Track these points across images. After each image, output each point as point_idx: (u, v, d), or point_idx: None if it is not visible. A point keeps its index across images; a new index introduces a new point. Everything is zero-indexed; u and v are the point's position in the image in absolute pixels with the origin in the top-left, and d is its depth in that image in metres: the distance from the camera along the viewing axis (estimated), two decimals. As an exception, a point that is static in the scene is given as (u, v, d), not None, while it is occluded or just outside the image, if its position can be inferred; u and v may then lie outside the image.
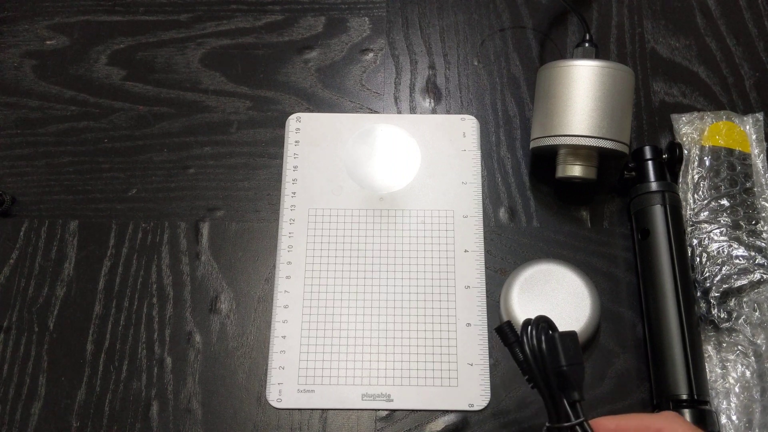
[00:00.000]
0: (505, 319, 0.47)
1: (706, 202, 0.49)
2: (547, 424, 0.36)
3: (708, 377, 0.45)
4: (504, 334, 0.37)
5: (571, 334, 0.36)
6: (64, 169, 0.53)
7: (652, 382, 0.45)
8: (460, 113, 0.55)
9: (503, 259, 0.50)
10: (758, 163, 0.51)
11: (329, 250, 0.50)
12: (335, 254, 0.50)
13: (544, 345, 0.35)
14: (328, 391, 0.46)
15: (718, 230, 0.48)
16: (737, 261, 0.47)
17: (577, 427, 0.35)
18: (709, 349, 0.46)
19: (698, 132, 0.51)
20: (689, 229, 0.49)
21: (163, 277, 0.50)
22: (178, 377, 0.47)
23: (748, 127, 0.52)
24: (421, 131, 0.54)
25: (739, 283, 0.46)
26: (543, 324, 0.37)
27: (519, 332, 0.37)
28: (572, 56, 0.50)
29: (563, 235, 0.51)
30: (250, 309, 0.49)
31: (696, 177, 0.50)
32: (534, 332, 0.36)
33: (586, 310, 0.46)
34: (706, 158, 0.50)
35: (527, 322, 0.37)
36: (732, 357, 0.45)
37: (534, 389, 0.36)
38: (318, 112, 0.55)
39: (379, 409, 0.46)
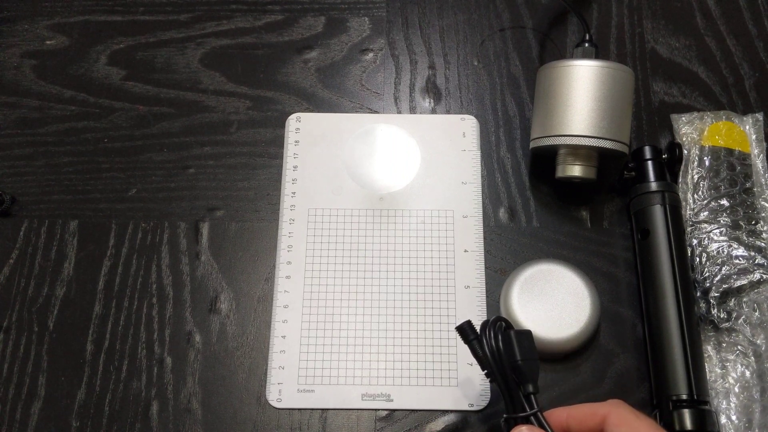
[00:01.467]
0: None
1: (705, 202, 0.49)
2: (504, 415, 0.39)
3: (708, 377, 0.45)
4: (464, 332, 0.40)
5: (527, 333, 0.40)
6: (64, 169, 0.53)
7: (652, 382, 0.45)
8: (460, 113, 0.55)
9: (503, 259, 0.50)
10: (758, 163, 0.51)
11: (329, 250, 0.50)
12: (335, 254, 0.50)
13: (500, 341, 0.38)
14: (328, 391, 0.46)
15: (717, 230, 0.48)
16: (737, 261, 0.47)
17: (532, 417, 0.37)
18: (709, 349, 0.46)
19: (698, 132, 0.51)
20: (689, 229, 0.49)
21: (163, 277, 0.50)
22: (178, 377, 0.47)
23: (747, 127, 0.52)
24: (420, 131, 0.54)
25: (738, 283, 0.46)
26: (500, 323, 0.40)
27: (478, 330, 0.40)
28: (572, 56, 0.50)
29: (563, 235, 0.51)
30: (250, 309, 0.49)
31: (696, 177, 0.50)
32: (492, 330, 0.39)
33: (586, 310, 0.46)
34: (705, 158, 0.50)
35: (486, 322, 0.39)
36: (732, 357, 0.45)
37: (493, 383, 0.39)
38: (318, 112, 0.55)
39: (379, 409, 0.46)
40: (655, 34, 0.58)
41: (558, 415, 0.38)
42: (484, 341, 0.39)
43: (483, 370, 0.40)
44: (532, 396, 0.38)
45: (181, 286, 0.49)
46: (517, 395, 0.38)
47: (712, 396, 0.45)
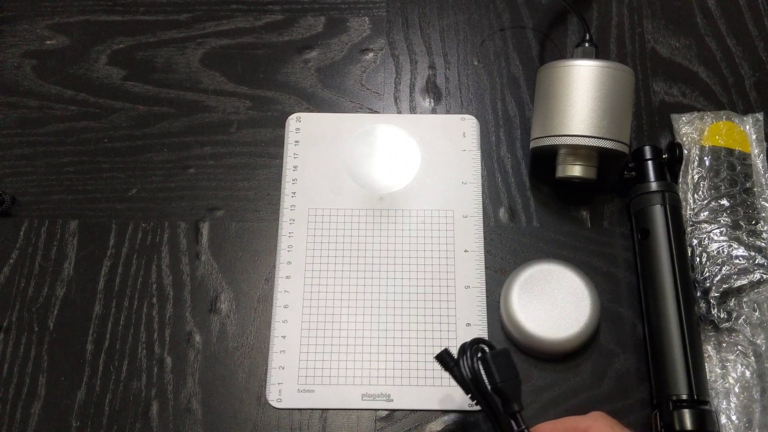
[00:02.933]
0: (505, 319, 0.47)
1: (706, 202, 0.49)
2: None
3: (708, 377, 0.45)
4: (443, 361, 0.40)
5: (504, 352, 0.39)
6: (64, 169, 0.53)
7: (652, 382, 0.45)
8: (460, 113, 0.55)
9: (503, 259, 0.50)
10: (758, 163, 0.51)
11: (329, 250, 0.50)
12: (335, 254, 0.50)
13: (478, 366, 0.38)
14: (328, 391, 0.46)
15: (718, 230, 0.48)
16: (737, 261, 0.47)
17: None
18: (709, 349, 0.46)
19: (698, 132, 0.51)
20: (689, 229, 0.49)
21: (163, 277, 0.50)
22: (178, 377, 0.47)
23: (748, 127, 0.52)
24: (421, 131, 0.54)
25: (739, 283, 0.46)
26: (476, 346, 0.39)
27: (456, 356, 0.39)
28: (572, 56, 0.50)
29: (563, 235, 0.51)
30: (250, 309, 0.49)
31: (696, 177, 0.50)
32: (467, 356, 0.39)
33: (586, 310, 0.46)
34: (706, 158, 0.50)
35: (463, 346, 0.39)
36: (732, 357, 0.45)
37: (477, 406, 0.39)
38: (318, 112, 0.55)
39: (379, 409, 0.46)
40: (655, 34, 0.58)
41: (542, 430, 0.39)
42: (463, 367, 0.38)
43: (467, 394, 0.39)
44: (518, 414, 0.38)
45: (181, 286, 0.49)
46: (502, 416, 0.38)
47: (712, 396, 0.45)
